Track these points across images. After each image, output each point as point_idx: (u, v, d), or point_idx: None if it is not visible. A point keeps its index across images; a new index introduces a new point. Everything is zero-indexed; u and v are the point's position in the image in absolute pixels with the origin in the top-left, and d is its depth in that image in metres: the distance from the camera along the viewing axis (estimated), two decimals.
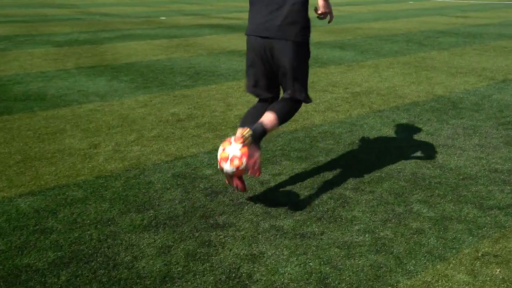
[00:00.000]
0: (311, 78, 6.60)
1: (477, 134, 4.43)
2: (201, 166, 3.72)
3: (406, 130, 4.53)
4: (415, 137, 4.35)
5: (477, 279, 2.30)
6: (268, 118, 2.95)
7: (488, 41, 9.92)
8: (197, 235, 2.72)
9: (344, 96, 5.73)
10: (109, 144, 4.15)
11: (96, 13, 15.68)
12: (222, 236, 2.71)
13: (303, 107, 5.20)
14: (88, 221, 2.85)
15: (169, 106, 5.30)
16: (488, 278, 2.31)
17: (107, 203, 3.10)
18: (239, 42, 9.82)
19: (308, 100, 3.19)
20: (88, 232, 2.71)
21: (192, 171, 3.61)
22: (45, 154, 3.92)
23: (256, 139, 2.87)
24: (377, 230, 2.79)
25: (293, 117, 4.88)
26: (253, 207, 3.07)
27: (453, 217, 2.94)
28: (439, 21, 13.63)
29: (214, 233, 2.74)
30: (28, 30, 11.48)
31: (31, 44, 9.43)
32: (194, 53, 8.59)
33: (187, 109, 5.21)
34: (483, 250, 2.57)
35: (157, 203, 3.11)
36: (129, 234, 2.71)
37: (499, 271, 2.37)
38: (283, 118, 3.07)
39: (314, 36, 10.48)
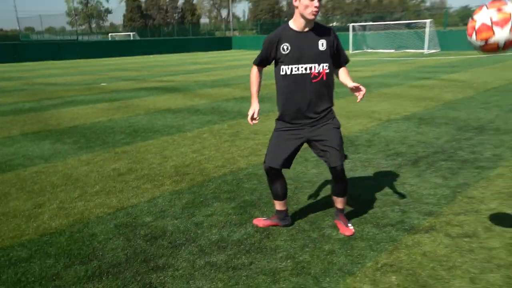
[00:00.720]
0: (236, 128, 6.71)
1: (371, 165, 4.68)
2: (141, 214, 3.59)
3: (316, 167, 4.68)
4: (323, 171, 4.51)
5: (378, 287, 2.38)
6: None
7: (374, 89, 10.67)
8: (139, 279, 2.60)
9: (263, 141, 5.85)
10: (53, 202, 3.91)
11: (40, 83, 15.02)
12: (162, 277, 2.61)
13: (230, 154, 5.27)
14: (33, 279, 2.63)
15: (111, 162, 5.12)
16: (387, 285, 2.40)
17: (52, 258, 2.88)
18: (173, 101, 9.81)
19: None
20: None
21: (133, 220, 3.47)
22: None
23: None
24: (297, 255, 2.82)
25: (220, 163, 4.92)
26: (190, 247, 3.00)
27: (357, 237, 3.05)
28: None
29: (154, 275, 2.63)
30: None
31: None
32: (132, 113, 8.44)
33: (127, 163, 5.06)
34: (381, 262, 2.68)
35: (100, 253, 2.94)
36: (74, 287, 2.52)
37: (395, 278, 2.47)
38: None
39: (236, 93, 10.74)
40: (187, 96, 10.67)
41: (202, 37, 47.29)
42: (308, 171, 4.57)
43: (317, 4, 2.67)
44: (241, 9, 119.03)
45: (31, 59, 30.44)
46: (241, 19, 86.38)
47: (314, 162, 4.81)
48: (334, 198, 3.23)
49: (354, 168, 4.60)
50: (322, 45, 2.84)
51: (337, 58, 2.96)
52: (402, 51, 28.30)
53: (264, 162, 3.10)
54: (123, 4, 78.23)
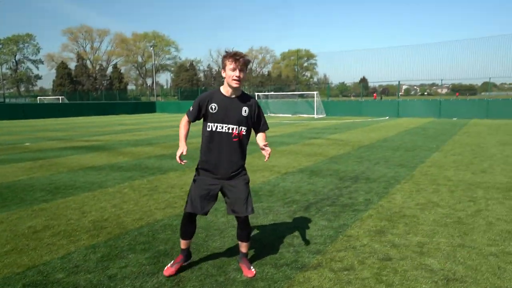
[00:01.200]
0: (155, 183, 6.45)
1: (272, 212, 4.77)
2: (53, 271, 3.18)
3: (224, 216, 4.63)
4: (231, 220, 4.46)
5: None
6: None
7: (274, 147, 11.14)
8: None
9: (179, 194, 5.69)
10: None
11: None
12: None
13: (148, 207, 5.00)
14: None
15: (27, 220, 4.53)
16: None
17: None
18: (97, 159, 9.19)
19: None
20: None
21: (44, 278, 3.05)
22: None
23: None
24: None
25: (138, 216, 4.63)
26: None
27: (258, 278, 3.01)
28: None
29: None
30: None
31: None
32: (55, 171, 7.70)
33: (44, 220, 4.52)
34: None
35: None
36: None
37: None
38: None
39: (156, 151, 10.44)
40: (111, 154, 10.10)
41: (128, 101, 46.05)
42: (218, 219, 4.50)
43: (237, 74, 2.79)
44: (164, 78, 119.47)
45: None
46: (164, 87, 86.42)
47: (223, 212, 4.76)
48: (239, 243, 3.23)
49: (256, 215, 4.64)
50: (245, 111, 2.96)
51: (257, 125, 3.09)
52: (297, 115, 30.36)
53: (186, 208, 3.03)
54: (53, 71, 74.05)
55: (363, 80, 49.14)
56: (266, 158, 3.03)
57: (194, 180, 3.08)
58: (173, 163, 8.52)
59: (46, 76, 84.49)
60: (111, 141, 13.34)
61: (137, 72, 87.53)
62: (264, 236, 3.93)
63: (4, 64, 78.40)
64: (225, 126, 2.92)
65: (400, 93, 32.51)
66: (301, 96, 36.58)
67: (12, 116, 30.16)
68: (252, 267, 3.12)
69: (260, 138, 3.12)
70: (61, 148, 11.43)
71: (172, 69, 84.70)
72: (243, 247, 3.20)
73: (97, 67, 79.66)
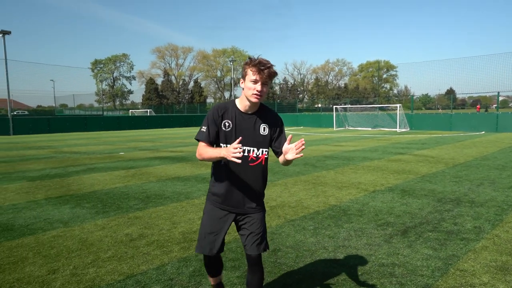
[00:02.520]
0: None
1: (365, 235, 4.39)
2: (150, 282, 3.23)
3: (314, 235, 4.38)
4: (321, 240, 4.21)
5: None
6: None
7: (358, 162, 10.58)
8: None
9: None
10: (67, 268, 3.54)
11: (67, 152, 14.91)
12: None
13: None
14: None
15: (124, 227, 4.79)
16: None
17: None
18: (183, 169, 9.62)
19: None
20: None
21: None
22: (4, 285, 3.22)
23: None
24: None
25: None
26: None
27: None
28: (324, 149, 14.52)
29: None
30: (6, 168, 10.47)
31: (7, 180, 8.52)
32: (146, 180, 8.20)
33: (139, 229, 4.73)
34: None
35: None
36: None
37: None
38: None
39: None
40: (194, 165, 10.50)
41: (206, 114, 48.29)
42: (307, 239, 4.26)
43: (259, 88, 2.23)
44: (241, 92, 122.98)
45: (62, 130, 30.72)
46: None
47: (312, 230, 4.52)
48: None
49: (349, 237, 4.30)
50: (264, 130, 2.38)
51: (277, 145, 2.42)
52: (378, 129, 28.86)
53: (199, 249, 2.48)
54: (143, 86, 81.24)
55: (450, 91, 45.21)
56: (299, 151, 2.17)
57: (204, 213, 2.54)
58: None
59: (137, 91, 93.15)
60: (194, 152, 13.94)
61: (216, 86, 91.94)
62: (359, 262, 3.59)
63: (104, 81, 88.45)
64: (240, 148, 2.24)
65: (494, 105, 29.13)
66: (382, 109, 34.83)
67: (109, 127, 33.59)
68: None
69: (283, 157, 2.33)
70: (150, 158, 12.24)
71: None
72: None
73: (180, 82, 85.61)
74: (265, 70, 2.20)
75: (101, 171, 9.65)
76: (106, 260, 3.72)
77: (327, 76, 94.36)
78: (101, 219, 5.17)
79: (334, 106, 32.39)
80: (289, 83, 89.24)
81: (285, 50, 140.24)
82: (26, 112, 59.84)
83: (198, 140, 2.36)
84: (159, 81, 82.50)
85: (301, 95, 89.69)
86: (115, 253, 3.92)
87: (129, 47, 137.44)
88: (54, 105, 78.70)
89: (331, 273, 3.34)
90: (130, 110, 59.86)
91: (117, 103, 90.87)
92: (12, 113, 31.12)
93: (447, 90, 46.92)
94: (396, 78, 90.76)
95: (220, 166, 2.40)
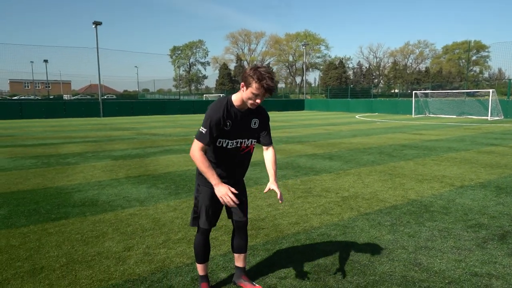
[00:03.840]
0: (308, 184, 6.21)
1: (451, 237, 3.88)
2: (217, 269, 3.20)
3: (391, 232, 4.00)
4: (399, 239, 3.82)
5: None
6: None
7: (441, 153, 9.61)
8: None
9: (335, 200, 5.28)
10: (140, 247, 3.67)
11: (147, 134, 15.94)
12: None
13: (303, 211, 4.75)
14: None
15: None
16: None
17: None
18: (254, 154, 9.61)
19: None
20: None
21: (209, 274, 3.07)
22: (86, 257, 3.44)
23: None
24: None
25: (294, 220, 4.41)
26: None
27: None
28: (401, 137, 13.50)
29: None
30: (95, 148, 11.50)
31: (95, 158, 9.32)
32: None
33: None
34: None
35: None
36: None
37: None
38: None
39: (307, 149, 10.29)
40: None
41: (279, 99, 48.23)
42: (383, 236, 3.90)
43: (258, 101, 2.45)
44: (313, 77, 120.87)
45: (143, 113, 33.09)
46: (313, 85, 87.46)
47: (389, 227, 4.13)
48: (236, 256, 2.90)
49: (432, 238, 3.84)
50: (255, 124, 2.65)
51: (263, 137, 2.75)
52: (465, 117, 26.13)
53: (200, 223, 2.71)
54: (217, 71, 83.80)
55: None
56: (279, 197, 2.65)
57: (201, 192, 2.69)
58: (325, 163, 8.19)
59: (211, 76, 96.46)
60: None
61: (288, 70, 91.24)
62: (446, 268, 3.16)
63: (181, 67, 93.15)
64: (235, 141, 2.58)
65: None
66: (469, 94, 31.42)
67: (185, 111, 35.31)
68: (255, 283, 2.86)
69: (270, 163, 2.77)
70: None
71: (321, 67, 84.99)
72: (241, 261, 2.90)
73: None
74: (268, 91, 2.39)
75: (176, 153, 10.08)
76: (177, 242, 3.78)
77: (406, 59, 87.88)
78: (173, 200, 5.33)
79: (414, 92, 30.01)
80: (363, 67, 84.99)
81: (361, 31, 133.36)
82: (114, 96, 65.68)
83: (198, 140, 2.50)
84: (232, 66, 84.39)
85: (376, 80, 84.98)
86: (184, 235, 3.98)
87: (204, 33, 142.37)
88: (137, 89, 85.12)
89: (412, 278, 2.97)
90: (204, 95, 62.29)
91: (193, 88, 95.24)
92: (102, 97, 34.24)
93: None
94: (488, 60, 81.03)
95: (215, 155, 2.61)
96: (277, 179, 5.92)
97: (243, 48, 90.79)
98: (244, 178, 2.85)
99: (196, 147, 2.48)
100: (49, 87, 76.96)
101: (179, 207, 5.02)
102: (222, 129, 2.51)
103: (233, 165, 2.67)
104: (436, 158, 8.79)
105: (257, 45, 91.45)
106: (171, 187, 6.13)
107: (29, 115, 28.65)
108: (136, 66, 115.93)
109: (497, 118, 24.15)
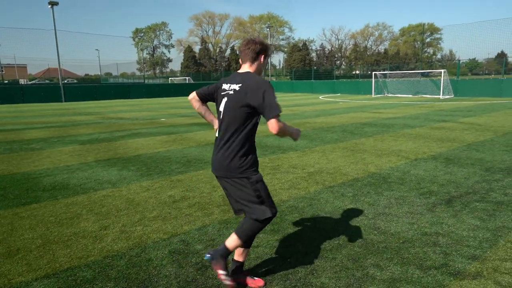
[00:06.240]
0: (276, 162, 6.41)
1: (406, 203, 4.22)
2: (193, 242, 3.32)
3: (353, 202, 4.28)
4: (360, 207, 4.11)
5: None
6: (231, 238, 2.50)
7: (398, 130, 10.14)
8: None
9: (302, 175, 5.52)
10: (116, 225, 3.72)
11: (113, 118, 15.50)
12: None
13: (272, 186, 4.94)
14: None
15: (167, 190, 4.93)
16: None
17: (112, 282, 2.64)
18: None
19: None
20: None
21: (185, 247, 3.20)
22: (63, 237, 3.44)
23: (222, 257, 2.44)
24: None
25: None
26: None
27: (401, 279, 2.62)
28: (362, 116, 14.04)
29: None
30: (60, 133, 11.08)
31: (61, 143, 9.02)
32: (186, 145, 8.36)
33: (181, 191, 4.85)
34: None
35: (155, 279, 2.68)
36: None
37: None
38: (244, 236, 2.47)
39: None
40: None
41: None
42: (346, 206, 4.18)
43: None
44: (277, 59, 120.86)
45: (107, 98, 31.91)
46: (277, 67, 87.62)
47: (350, 198, 4.42)
48: (238, 249, 2.58)
49: (389, 205, 4.16)
50: None
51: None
52: (420, 96, 27.41)
53: (272, 211, 2.44)
54: (181, 54, 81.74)
55: (502, 55, 41.57)
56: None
57: (262, 181, 2.50)
58: (292, 142, 8.43)
59: (176, 59, 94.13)
60: None
61: None
62: (401, 230, 3.47)
63: (144, 49, 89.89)
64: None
65: None
66: (423, 75, 32.86)
67: (150, 94, 34.40)
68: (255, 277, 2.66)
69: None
70: (189, 124, 12.44)
71: (285, 49, 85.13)
72: (242, 255, 2.62)
73: (217, 50, 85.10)
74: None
75: (145, 136, 9.95)
76: (152, 220, 3.86)
77: (366, 41, 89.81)
78: (146, 181, 5.35)
79: (373, 73, 30.97)
80: (326, 49, 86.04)
81: (324, 13, 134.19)
82: (75, 81, 62.54)
83: (279, 112, 2.30)
84: (196, 49, 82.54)
85: (338, 62, 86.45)
86: (159, 213, 4.05)
87: (168, 15, 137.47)
88: (99, 73, 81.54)
89: (371, 240, 3.25)
90: (170, 78, 60.76)
91: (157, 71, 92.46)
92: (63, 82, 32.57)
93: (498, 54, 43.20)
94: (440, 42, 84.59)
95: (253, 139, 2.46)
96: None
97: (208, 30, 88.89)
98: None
99: (277, 121, 2.28)
100: (2, 71, 71.92)
101: (152, 187, 5.06)
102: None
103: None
104: (394, 135, 9.28)
105: (221, 27, 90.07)
106: (142, 169, 6.12)
107: None
108: (97, 49, 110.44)
109: (448, 96, 25.56)
